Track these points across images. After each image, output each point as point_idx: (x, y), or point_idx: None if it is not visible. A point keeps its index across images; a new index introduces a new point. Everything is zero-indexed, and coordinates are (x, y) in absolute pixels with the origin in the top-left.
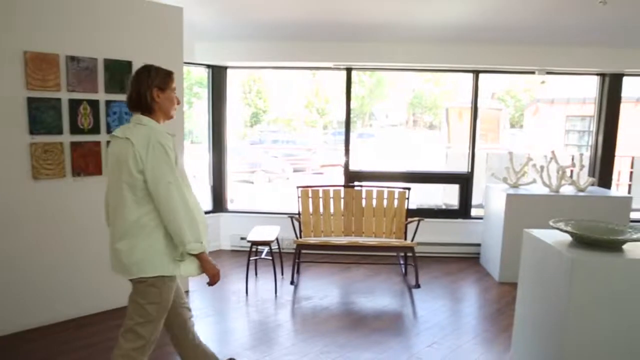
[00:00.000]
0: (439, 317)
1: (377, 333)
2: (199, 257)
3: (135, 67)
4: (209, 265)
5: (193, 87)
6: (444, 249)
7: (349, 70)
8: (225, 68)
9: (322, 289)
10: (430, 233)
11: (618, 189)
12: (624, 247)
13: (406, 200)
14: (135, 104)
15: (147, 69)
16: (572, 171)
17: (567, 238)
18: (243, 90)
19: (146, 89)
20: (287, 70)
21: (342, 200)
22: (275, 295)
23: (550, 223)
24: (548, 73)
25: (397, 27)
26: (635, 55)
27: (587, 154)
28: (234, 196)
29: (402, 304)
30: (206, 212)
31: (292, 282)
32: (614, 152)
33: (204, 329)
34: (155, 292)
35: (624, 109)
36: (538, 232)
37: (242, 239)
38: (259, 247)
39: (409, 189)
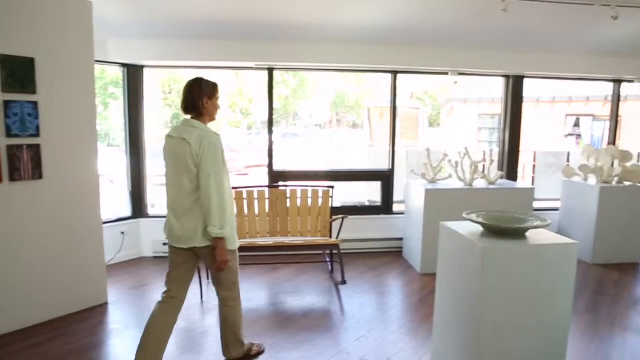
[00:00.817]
0: (366, 311)
1: (305, 331)
2: (217, 241)
3: (39, 64)
4: (221, 251)
5: (108, 87)
6: (369, 244)
7: (270, 70)
8: (142, 67)
9: (249, 291)
10: (355, 230)
11: (523, 181)
12: (527, 234)
13: (330, 199)
14: (189, 108)
15: (200, 82)
16: (483, 166)
17: (479, 228)
18: (163, 91)
19: (198, 98)
20: (208, 70)
21: (267, 201)
22: (202, 300)
23: (464, 215)
24: (460, 74)
25: (318, 28)
26: (533, 58)
27: (496, 150)
28: (155, 201)
29: (329, 300)
30: (124, 219)
31: None
32: (518, 147)
33: (125, 343)
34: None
35: (527, 108)
36: (453, 224)
37: (165, 244)
38: None
39: (332, 187)
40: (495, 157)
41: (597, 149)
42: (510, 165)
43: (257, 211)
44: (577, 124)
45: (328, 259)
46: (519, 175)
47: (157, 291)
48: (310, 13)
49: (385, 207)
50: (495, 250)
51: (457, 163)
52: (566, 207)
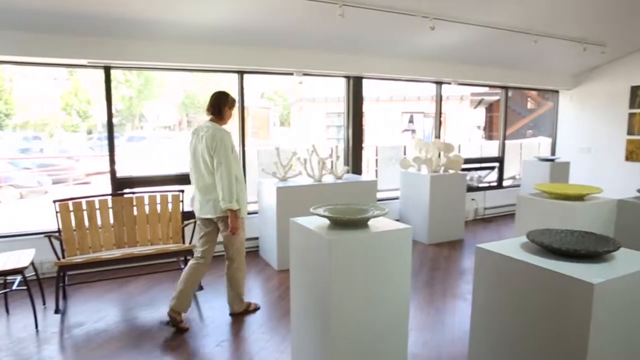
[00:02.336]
0: (225, 314)
1: (164, 344)
2: (230, 212)
3: None
4: (234, 220)
5: None
6: None
7: (107, 69)
8: None
9: (96, 311)
10: None
11: (367, 174)
12: (369, 223)
13: (181, 203)
14: (214, 113)
15: (226, 94)
16: (331, 162)
17: (327, 221)
18: None
19: (223, 106)
20: (33, 67)
21: (111, 211)
22: (37, 330)
23: (311, 210)
24: (305, 75)
25: (160, 25)
26: (370, 61)
27: (342, 146)
28: None
29: None
30: None
31: (57, 311)
32: (361, 143)
33: None
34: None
35: (368, 106)
36: (302, 220)
37: None
38: (8, 277)
39: (182, 191)
40: (341, 153)
41: (427, 142)
42: (354, 159)
43: (99, 222)
44: (411, 121)
45: (183, 266)
46: (364, 168)
47: None
48: (150, 8)
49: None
50: (340, 241)
51: (305, 160)
52: (404, 195)
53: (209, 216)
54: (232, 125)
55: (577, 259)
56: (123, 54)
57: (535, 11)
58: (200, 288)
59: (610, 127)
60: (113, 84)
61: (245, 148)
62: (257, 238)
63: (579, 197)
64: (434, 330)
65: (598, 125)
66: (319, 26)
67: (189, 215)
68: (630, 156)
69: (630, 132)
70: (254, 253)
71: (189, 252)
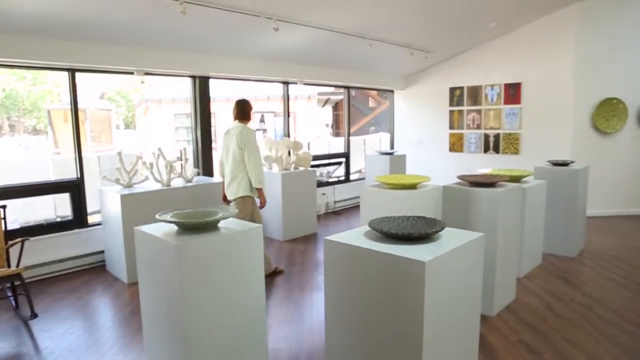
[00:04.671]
0: (68, 340)
1: None
2: (260, 190)
3: None
4: (263, 196)
5: None
6: (65, 265)
7: None
8: None
9: None
10: (45, 252)
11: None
12: (219, 225)
13: (2, 221)
14: (241, 117)
15: (247, 101)
16: (181, 165)
17: (174, 228)
18: None
19: (249, 110)
20: None
21: None
22: None
23: (157, 217)
24: (147, 74)
25: None
26: (216, 61)
27: (191, 148)
28: None
29: (17, 342)
30: None
31: None
32: (211, 144)
33: None
34: (246, 203)
35: (219, 107)
36: (148, 228)
37: None
38: None
39: (4, 207)
40: (191, 155)
41: (277, 141)
42: (204, 161)
43: None
44: (262, 120)
45: (10, 294)
46: (215, 170)
47: None
48: None
49: (78, 220)
50: (188, 246)
51: (151, 164)
52: None
53: (230, 197)
54: (70, 129)
55: (411, 241)
56: None
57: (369, 18)
58: (34, 316)
59: (436, 123)
60: None
61: (82, 154)
62: (102, 252)
63: (413, 186)
64: (293, 324)
65: (427, 121)
66: (161, 23)
67: (14, 234)
68: (453, 147)
69: (451, 127)
70: (99, 268)
71: (17, 277)
